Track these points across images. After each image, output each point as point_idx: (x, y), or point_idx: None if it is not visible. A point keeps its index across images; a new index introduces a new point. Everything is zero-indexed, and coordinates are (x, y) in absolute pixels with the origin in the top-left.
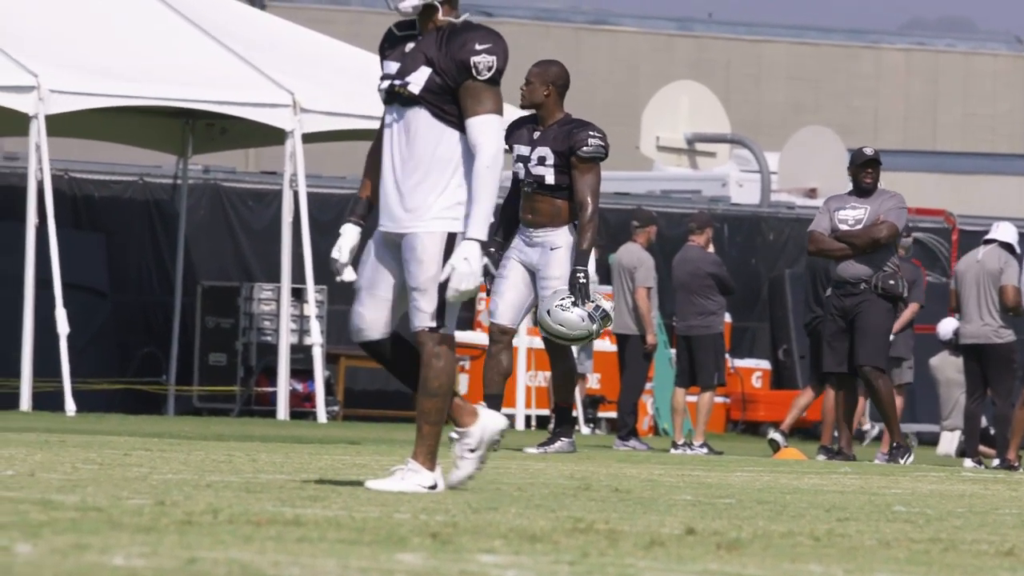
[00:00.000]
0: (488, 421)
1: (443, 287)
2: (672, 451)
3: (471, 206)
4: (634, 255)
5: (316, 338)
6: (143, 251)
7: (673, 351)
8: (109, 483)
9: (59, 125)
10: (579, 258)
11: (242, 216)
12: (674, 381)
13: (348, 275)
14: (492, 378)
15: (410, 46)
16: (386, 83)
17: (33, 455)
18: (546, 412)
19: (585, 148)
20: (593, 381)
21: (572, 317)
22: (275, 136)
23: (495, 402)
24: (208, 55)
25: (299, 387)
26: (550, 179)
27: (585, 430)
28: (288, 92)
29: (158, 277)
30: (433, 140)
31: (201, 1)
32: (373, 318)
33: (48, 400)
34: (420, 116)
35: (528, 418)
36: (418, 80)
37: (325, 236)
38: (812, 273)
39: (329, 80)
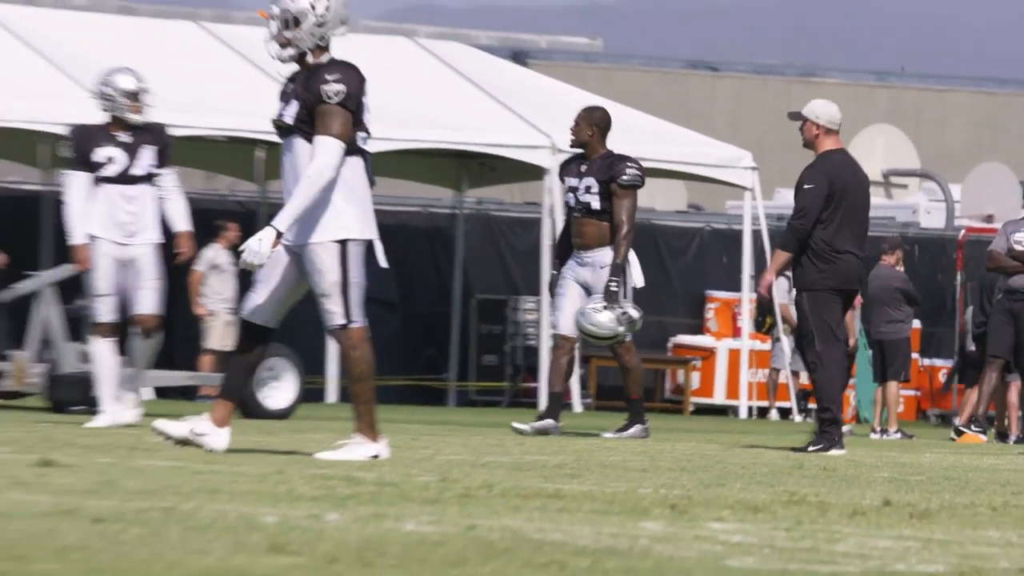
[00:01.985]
0: (215, 440)
1: (346, 288)
2: (871, 436)
3: (287, 203)
4: None
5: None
6: (426, 270)
7: (871, 352)
8: (401, 463)
9: None
10: (614, 270)
11: (509, 240)
12: (873, 378)
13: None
14: (554, 378)
15: (290, 87)
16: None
17: (337, 439)
18: (764, 404)
19: (624, 177)
20: (804, 377)
21: (602, 319)
22: (535, 173)
23: (557, 399)
24: (479, 105)
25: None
26: (595, 205)
27: (798, 418)
28: (546, 136)
29: (439, 292)
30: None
31: (473, 59)
32: (260, 305)
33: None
34: (298, 143)
35: (750, 409)
36: (290, 113)
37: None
38: (980, 286)
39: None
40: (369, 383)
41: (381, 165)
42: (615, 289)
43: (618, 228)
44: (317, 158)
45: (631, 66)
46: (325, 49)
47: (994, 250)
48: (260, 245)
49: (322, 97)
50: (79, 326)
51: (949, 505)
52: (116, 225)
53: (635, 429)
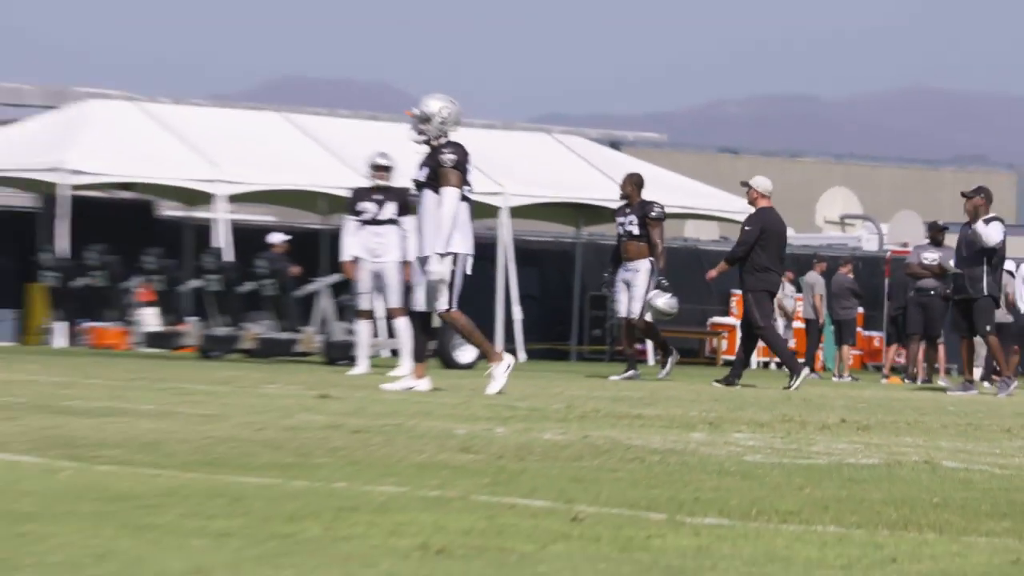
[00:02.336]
0: (421, 386)
1: (452, 285)
2: (833, 379)
3: (437, 236)
4: (814, 278)
5: (648, 319)
6: (557, 276)
7: (833, 328)
8: (542, 396)
9: (517, 211)
10: (659, 273)
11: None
12: (834, 342)
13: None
14: (627, 344)
15: (424, 159)
16: (412, 179)
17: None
18: (767, 359)
19: (652, 213)
20: (792, 342)
21: (674, 303)
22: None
23: (631, 357)
24: (591, 175)
25: (640, 346)
26: (636, 232)
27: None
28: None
29: (565, 290)
30: (438, 206)
31: (587, 147)
32: (418, 299)
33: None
34: (428, 193)
35: (758, 363)
36: (423, 175)
37: None
38: (892, 286)
39: (651, 187)
40: (476, 333)
41: (529, 212)
42: (666, 284)
43: (655, 247)
44: (445, 204)
45: (684, 151)
46: (445, 136)
47: (910, 263)
48: (438, 266)
49: (442, 163)
50: (345, 312)
51: (881, 422)
52: (369, 251)
53: (670, 360)
